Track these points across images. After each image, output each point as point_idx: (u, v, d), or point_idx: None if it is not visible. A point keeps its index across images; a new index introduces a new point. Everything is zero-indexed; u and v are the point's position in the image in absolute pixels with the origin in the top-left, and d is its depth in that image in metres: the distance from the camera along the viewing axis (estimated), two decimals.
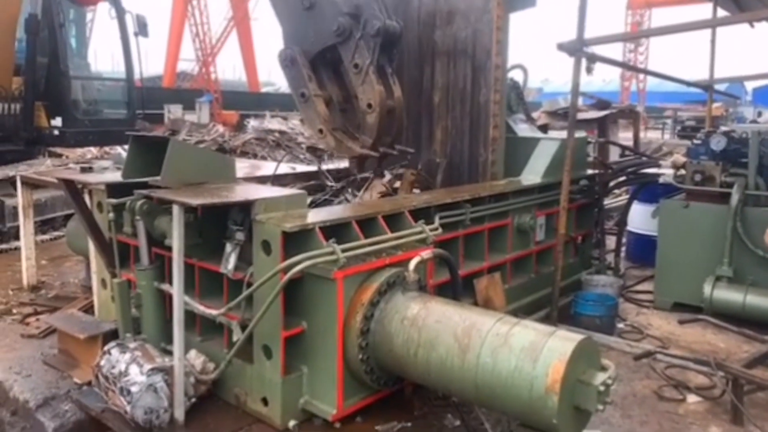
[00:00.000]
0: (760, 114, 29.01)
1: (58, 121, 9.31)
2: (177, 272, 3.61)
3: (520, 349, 3.12)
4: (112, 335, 4.25)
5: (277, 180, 5.53)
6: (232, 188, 4.12)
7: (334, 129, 5.00)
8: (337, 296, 3.54)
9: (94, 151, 13.36)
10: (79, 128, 9.66)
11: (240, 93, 31.35)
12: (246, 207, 3.82)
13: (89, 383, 4.12)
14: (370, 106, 4.80)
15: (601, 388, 3.01)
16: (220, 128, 20.22)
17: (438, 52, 5.58)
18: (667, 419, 4.03)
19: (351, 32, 4.79)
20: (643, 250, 7.41)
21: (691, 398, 4.31)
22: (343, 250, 3.53)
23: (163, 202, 3.95)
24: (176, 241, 3.58)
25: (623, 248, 7.42)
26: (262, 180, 4.98)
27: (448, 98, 5.59)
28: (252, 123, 20.23)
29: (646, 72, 8.25)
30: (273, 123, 19.92)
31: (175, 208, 3.55)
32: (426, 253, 3.84)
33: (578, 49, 4.96)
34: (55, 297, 6.01)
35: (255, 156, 17.55)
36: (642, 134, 17.61)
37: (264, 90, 36.25)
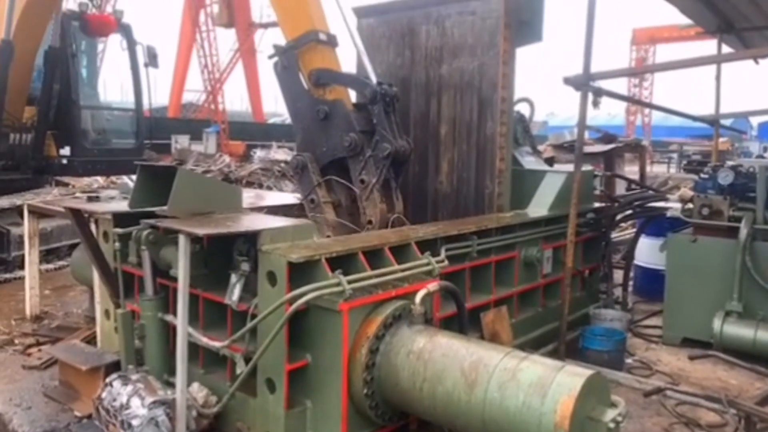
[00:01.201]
0: (765, 149, 29.05)
1: (66, 151, 9.39)
2: (182, 303, 3.58)
3: (528, 385, 3.06)
4: (114, 366, 4.20)
5: (280, 211, 5.52)
6: (238, 218, 4.12)
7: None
8: (343, 329, 3.49)
9: (100, 180, 13.45)
10: (88, 157, 9.73)
11: (247, 123, 31.59)
12: (252, 237, 3.81)
13: (90, 416, 4.07)
14: (370, 222, 5.09)
15: (611, 425, 2.95)
16: (227, 158, 20.29)
17: (445, 85, 5.63)
18: None
19: (362, 149, 5.08)
20: (651, 283, 7.35)
21: None
22: (349, 282, 3.49)
23: (169, 232, 3.95)
24: (182, 271, 3.56)
25: (630, 282, 7.36)
26: (270, 210, 4.97)
27: (454, 131, 5.61)
28: (258, 153, 20.32)
29: (653, 107, 8.34)
30: (279, 153, 20.00)
31: (181, 238, 3.54)
32: (433, 286, 3.80)
33: (584, 84, 4.99)
34: (57, 327, 5.98)
35: (261, 186, 17.60)
36: (648, 168, 17.63)
37: (270, 121, 36.57)
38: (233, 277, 3.88)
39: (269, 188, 17.53)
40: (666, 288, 6.00)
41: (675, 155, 32.72)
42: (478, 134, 5.51)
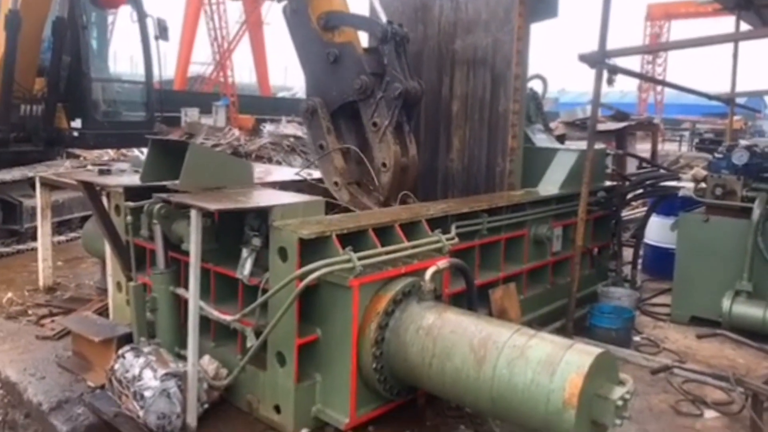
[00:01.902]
0: None
1: (77, 123, 9.39)
2: (193, 277, 3.61)
3: (537, 362, 3.09)
4: (126, 339, 4.24)
5: (290, 187, 5.52)
6: (249, 193, 4.13)
7: (349, 183, 5.12)
8: (353, 304, 3.53)
9: (111, 153, 13.48)
10: (99, 130, 9.73)
11: (256, 97, 31.44)
12: (263, 213, 3.82)
13: (102, 386, 4.13)
14: (384, 165, 4.94)
15: (619, 403, 2.97)
16: (236, 132, 20.26)
17: (458, 61, 5.56)
18: None
19: (373, 91, 4.93)
20: (660, 262, 7.33)
21: (709, 413, 4.24)
22: (360, 258, 3.51)
23: (181, 207, 3.96)
24: (194, 245, 3.59)
25: (639, 260, 7.34)
26: (282, 186, 4.96)
27: (466, 107, 5.56)
28: (268, 127, 20.27)
29: (667, 84, 8.20)
30: (288, 128, 19.94)
31: (193, 213, 3.56)
32: (442, 263, 3.82)
33: (600, 61, 4.92)
34: (70, 299, 6.04)
35: (270, 160, 17.60)
36: (659, 146, 17.47)
37: (280, 95, 36.41)
38: (244, 252, 3.91)
39: (278, 163, 17.54)
40: (676, 266, 5.98)
41: (686, 133, 32.40)
42: (491, 111, 5.46)
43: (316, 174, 5.60)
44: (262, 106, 27.34)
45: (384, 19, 5.11)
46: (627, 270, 6.98)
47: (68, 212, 8.16)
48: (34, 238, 7.75)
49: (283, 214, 3.71)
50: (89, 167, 6.49)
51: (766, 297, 5.39)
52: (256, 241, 3.87)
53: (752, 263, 5.46)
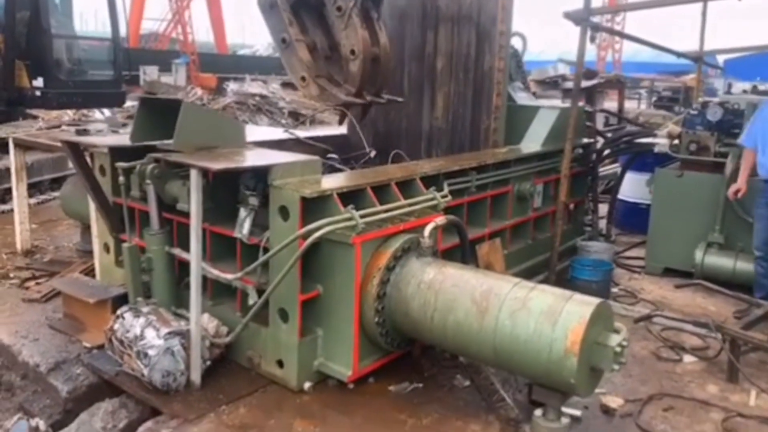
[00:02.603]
0: (730, 86, 29.36)
1: (40, 82, 9.03)
2: (194, 237, 3.62)
3: (539, 313, 3.21)
4: (120, 299, 4.24)
5: (277, 146, 5.48)
6: (244, 153, 4.11)
7: (318, 76, 4.67)
8: (355, 261, 3.58)
9: (70, 113, 13.05)
10: (63, 89, 9.39)
11: (217, 55, 30.59)
12: (259, 172, 3.82)
13: (99, 347, 4.13)
14: (353, 52, 4.51)
15: (618, 350, 3.13)
16: (199, 91, 19.81)
17: (442, 18, 5.53)
18: (666, 378, 4.20)
19: None
20: (631, 217, 7.59)
21: (688, 358, 4.49)
22: (361, 216, 3.56)
23: (175, 166, 3.93)
24: (194, 205, 3.58)
25: None
26: (272, 145, 4.91)
27: (451, 64, 5.56)
28: (231, 86, 19.83)
29: (643, 42, 8.27)
30: (253, 87, 19.54)
31: (193, 173, 3.54)
32: (440, 220, 3.89)
33: (585, 18, 4.98)
34: (50, 261, 5.95)
35: (236, 120, 17.29)
36: None
37: (241, 53, 35.50)
38: (242, 212, 3.91)
39: (245, 122, 17.26)
40: (651, 221, 6.21)
41: (643, 91, 32.91)
42: (476, 68, 5.49)
43: (302, 133, 5.57)
44: (224, 64, 26.69)
45: None
46: (601, 224, 7.20)
47: (37, 174, 7.93)
48: (3, 200, 7.57)
49: (283, 174, 3.71)
50: (64, 128, 6.31)
51: (736, 248, 5.66)
52: (254, 201, 3.88)
53: (724, 216, 5.71)
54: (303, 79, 4.69)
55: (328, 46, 4.76)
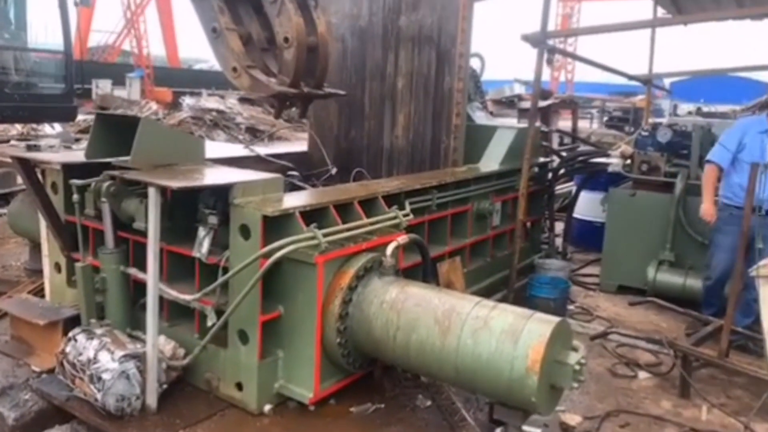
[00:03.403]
0: (676, 107, 30.57)
1: None
2: (152, 257, 3.53)
3: (500, 332, 3.24)
4: (72, 321, 4.10)
5: (236, 163, 5.43)
6: (204, 170, 4.05)
7: (250, 67, 4.44)
8: (317, 281, 3.56)
9: (18, 128, 12.62)
10: (7, 102, 9.05)
11: (172, 69, 30.23)
12: (218, 190, 3.76)
13: (49, 371, 3.97)
14: (286, 40, 4.29)
15: (577, 367, 3.18)
16: (153, 106, 19.55)
17: (403, 38, 5.60)
18: (622, 395, 4.28)
19: None
20: (586, 235, 7.77)
21: (642, 374, 4.59)
22: (324, 235, 3.54)
23: (132, 184, 3.84)
24: (152, 224, 3.50)
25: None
26: (232, 162, 4.85)
27: (411, 84, 5.63)
28: (187, 101, 19.60)
29: (597, 65, 8.56)
30: (210, 102, 19.38)
31: (152, 191, 3.46)
32: (402, 239, 3.90)
33: (542, 41, 5.11)
34: None
35: (192, 135, 17.06)
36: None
37: (197, 67, 35.10)
38: (201, 231, 3.84)
39: (201, 138, 17.04)
40: (605, 239, 6.37)
41: (595, 111, 33.94)
42: (436, 89, 5.56)
43: (262, 150, 5.53)
44: (179, 78, 26.34)
45: None
46: (557, 242, 7.34)
47: None
48: None
49: (244, 192, 3.67)
50: (13, 143, 6.10)
51: (685, 266, 5.84)
52: (213, 219, 3.81)
53: (674, 235, 5.90)
54: (234, 69, 4.44)
55: (265, 39, 4.56)
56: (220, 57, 4.54)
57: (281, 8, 4.26)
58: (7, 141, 6.28)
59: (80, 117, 11.21)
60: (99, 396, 3.50)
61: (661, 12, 8.87)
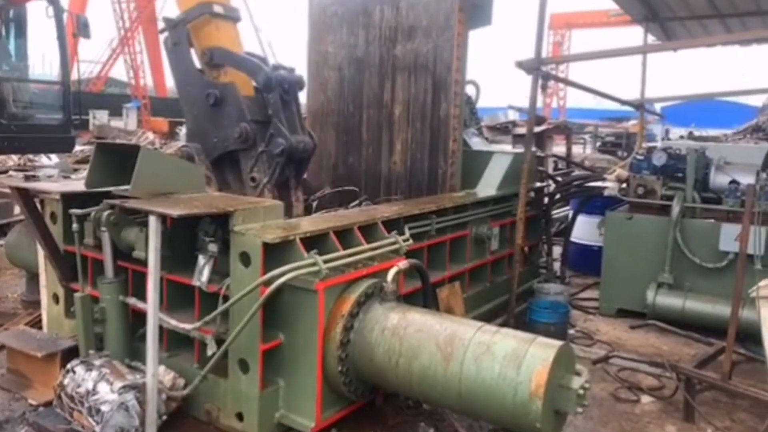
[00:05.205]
0: (668, 131, 30.89)
1: None
2: (152, 286, 3.51)
3: (503, 357, 3.22)
4: (71, 352, 4.06)
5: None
6: (203, 198, 4.05)
7: None
8: (318, 308, 3.54)
9: (15, 158, 12.62)
10: (5, 133, 9.06)
11: (169, 100, 30.32)
12: (218, 218, 3.76)
13: (46, 404, 3.92)
14: None
15: (580, 392, 3.16)
16: (150, 135, 19.61)
17: (399, 67, 5.68)
18: (626, 419, 4.24)
19: (254, 142, 4.55)
20: (584, 258, 7.76)
21: (645, 399, 4.55)
22: (324, 262, 3.53)
23: (131, 213, 3.84)
24: (152, 253, 3.49)
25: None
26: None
27: (408, 112, 5.69)
28: (183, 131, 19.68)
29: (590, 90, 8.66)
30: None
31: (152, 219, 3.46)
32: (403, 264, 3.90)
33: (536, 68, 5.18)
34: None
35: None
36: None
37: None
38: (201, 259, 3.83)
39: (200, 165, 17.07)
40: (603, 262, 6.37)
41: (587, 136, 34.28)
42: (432, 115, 5.62)
43: None
44: (176, 108, 26.36)
45: (272, 62, 4.72)
46: (555, 266, 7.34)
47: None
48: None
49: (244, 219, 3.67)
50: (11, 173, 6.11)
51: (684, 288, 5.84)
52: (213, 247, 3.81)
53: (672, 257, 5.90)
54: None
55: None
56: None
57: (260, 194, 4.60)
58: (5, 172, 6.27)
59: (77, 147, 11.21)
60: (97, 429, 3.46)
61: (651, 39, 9.01)
